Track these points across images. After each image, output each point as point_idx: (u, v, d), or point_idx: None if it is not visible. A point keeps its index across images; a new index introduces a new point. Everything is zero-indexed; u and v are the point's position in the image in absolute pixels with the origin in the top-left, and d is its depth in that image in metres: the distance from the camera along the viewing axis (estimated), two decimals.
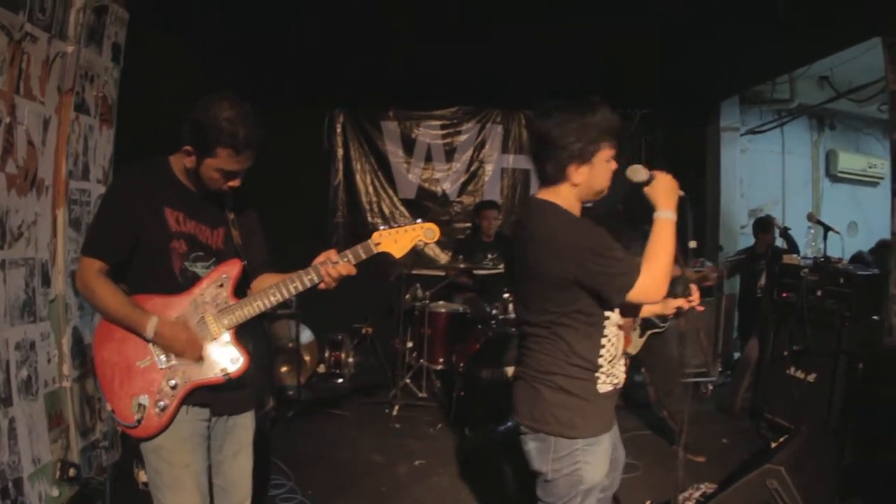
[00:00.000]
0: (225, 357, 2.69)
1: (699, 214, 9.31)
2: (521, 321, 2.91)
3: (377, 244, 2.74)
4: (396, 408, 6.60)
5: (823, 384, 5.53)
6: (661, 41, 6.44)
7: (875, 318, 5.27)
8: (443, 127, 9.16)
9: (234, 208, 2.89)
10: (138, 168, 2.74)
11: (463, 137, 9.15)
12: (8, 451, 3.46)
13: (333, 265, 2.66)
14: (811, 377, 5.68)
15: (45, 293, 3.89)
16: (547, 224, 2.67)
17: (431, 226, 2.80)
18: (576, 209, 2.75)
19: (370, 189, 9.08)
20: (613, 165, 2.73)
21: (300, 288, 2.70)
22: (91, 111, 4.28)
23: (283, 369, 7.11)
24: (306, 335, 7.59)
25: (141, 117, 4.85)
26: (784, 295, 6.07)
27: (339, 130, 9.01)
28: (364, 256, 2.73)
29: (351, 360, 8.01)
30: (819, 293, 5.63)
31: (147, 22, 4.89)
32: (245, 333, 2.81)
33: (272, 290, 2.70)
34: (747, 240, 8.33)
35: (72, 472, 3.87)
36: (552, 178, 2.72)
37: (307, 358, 7.57)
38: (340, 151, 9.03)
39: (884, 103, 8.08)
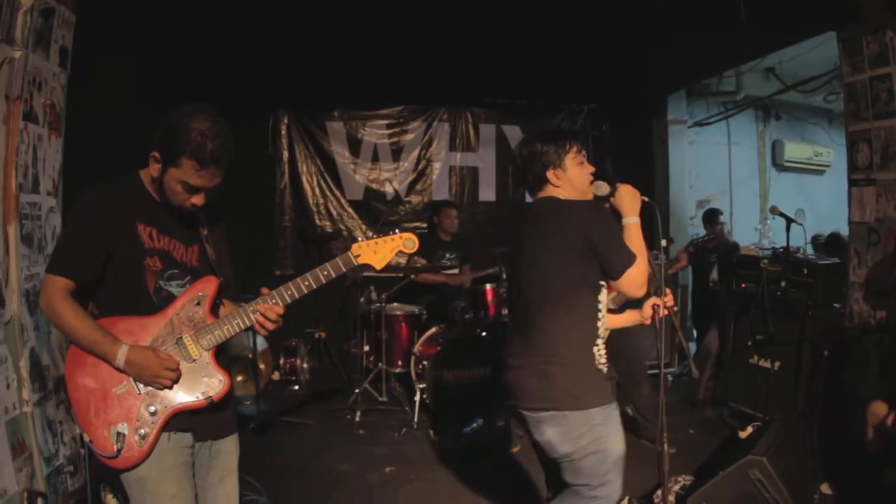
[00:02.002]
0: (206, 379, 2.55)
1: (647, 206, 9.41)
2: (528, 308, 3.10)
3: (357, 256, 2.68)
4: (358, 414, 6.47)
5: (788, 372, 5.64)
6: (607, 36, 6.44)
7: (836, 305, 5.36)
8: (389, 126, 9.06)
9: (208, 225, 2.76)
10: (108, 182, 2.58)
11: (409, 136, 9.08)
12: None
13: (265, 311, 2.59)
14: (776, 365, 5.77)
15: (0, 315, 3.68)
16: (558, 204, 3.09)
17: (410, 236, 2.76)
18: None
19: (317, 191, 8.92)
20: (588, 168, 3.16)
21: (242, 327, 2.62)
22: (39, 119, 4.06)
23: (239, 379, 6.91)
24: (259, 342, 7.41)
25: (83, 124, 4.65)
26: (743, 286, 6.15)
27: (283, 132, 8.83)
28: (344, 269, 2.66)
29: (306, 366, 7.85)
30: (783, 283, 5.73)
31: (91, 23, 4.69)
32: (224, 354, 2.70)
33: (251, 308, 2.59)
34: (696, 231, 8.44)
35: (39, 501, 3.68)
36: (537, 184, 3.17)
37: (262, 366, 7.38)
38: (285, 154, 8.85)
39: (830, 93, 8.29)
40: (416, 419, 6.30)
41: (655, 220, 3.16)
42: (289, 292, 2.61)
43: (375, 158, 9.02)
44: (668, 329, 7.24)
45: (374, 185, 9.01)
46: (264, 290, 2.63)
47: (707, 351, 6.79)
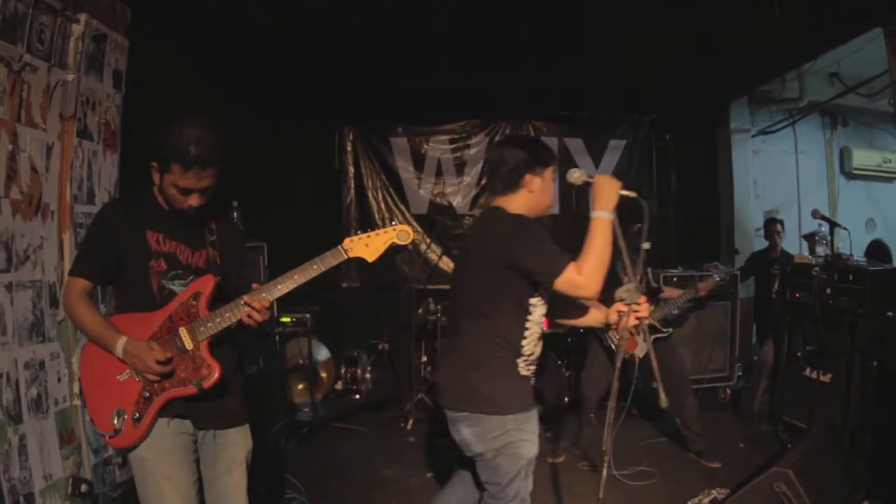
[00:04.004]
0: (198, 369, 2.72)
1: (713, 218, 9.26)
2: (456, 312, 3.24)
3: (347, 250, 2.76)
4: (411, 421, 6.62)
5: (839, 384, 5.45)
6: (665, 46, 6.42)
7: (889, 313, 5.17)
8: (452, 141, 9.18)
9: (217, 232, 2.95)
10: (123, 197, 2.86)
11: (472, 151, 9.17)
12: (19, 466, 3.55)
13: (251, 301, 2.70)
14: (826, 377, 5.58)
15: (54, 314, 3.99)
16: (495, 217, 3.08)
17: (405, 228, 2.82)
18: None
19: (382, 206, 9.12)
20: (554, 191, 3.19)
21: (233, 319, 2.74)
22: (94, 137, 4.38)
23: (299, 387, 7.15)
24: (322, 353, 7.64)
25: (148, 143, 4.94)
26: (797, 295, 6.02)
27: (349, 148, 9.07)
28: (334, 262, 2.75)
29: (368, 376, 8.05)
30: (829, 291, 5.58)
31: (152, 48, 5.00)
32: (223, 346, 2.85)
33: (241, 302, 2.73)
34: (763, 242, 8.26)
35: (84, 487, 3.95)
36: (506, 187, 3.12)
37: (323, 375, 7.62)
38: (351, 169, 9.09)
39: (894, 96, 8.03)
40: None
41: (643, 220, 2.98)
42: (279, 286, 2.74)
43: (439, 173, 9.15)
44: (728, 341, 7.19)
45: (438, 200, 9.14)
46: (255, 286, 2.77)
47: (762, 363, 6.66)
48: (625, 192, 2.95)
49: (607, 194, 2.91)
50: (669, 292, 5.75)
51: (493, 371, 3.01)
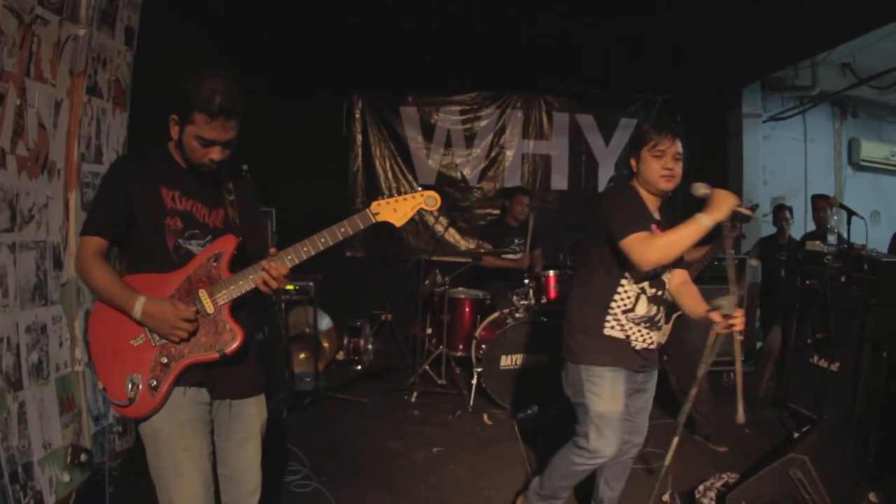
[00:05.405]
0: (219, 334, 2.61)
1: None
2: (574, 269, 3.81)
3: (376, 214, 2.67)
4: (415, 395, 6.56)
5: (847, 373, 5.39)
6: (681, 26, 6.31)
7: None
8: (462, 112, 9.08)
9: (235, 191, 2.83)
10: (135, 151, 2.71)
11: (483, 123, 9.08)
12: (17, 435, 3.45)
13: (270, 267, 2.60)
14: (834, 366, 5.55)
15: (57, 277, 3.89)
16: (609, 188, 3.50)
17: (432, 193, 2.76)
18: (644, 195, 3.45)
19: (389, 175, 9.03)
20: (665, 163, 3.28)
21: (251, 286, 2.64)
22: (104, 94, 4.27)
23: (301, 356, 7.08)
24: (325, 322, 7.58)
25: (157, 103, 4.83)
26: (807, 282, 5.95)
27: (357, 116, 8.97)
28: (362, 226, 2.66)
29: (370, 346, 8.00)
30: (842, 279, 5.50)
31: (163, 7, 4.88)
32: (243, 311, 2.74)
33: (260, 266, 2.62)
34: (770, 228, 8.18)
35: (83, 457, 3.85)
36: (630, 171, 3.56)
37: (326, 345, 7.56)
38: (359, 137, 9.00)
39: None
40: (471, 403, 6.33)
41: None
42: (304, 248, 2.63)
43: (448, 144, 9.06)
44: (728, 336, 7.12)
45: (446, 171, 9.06)
46: (272, 250, 2.65)
47: (769, 349, 6.61)
48: (741, 210, 3.08)
49: (719, 206, 3.02)
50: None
51: (578, 324, 3.47)
